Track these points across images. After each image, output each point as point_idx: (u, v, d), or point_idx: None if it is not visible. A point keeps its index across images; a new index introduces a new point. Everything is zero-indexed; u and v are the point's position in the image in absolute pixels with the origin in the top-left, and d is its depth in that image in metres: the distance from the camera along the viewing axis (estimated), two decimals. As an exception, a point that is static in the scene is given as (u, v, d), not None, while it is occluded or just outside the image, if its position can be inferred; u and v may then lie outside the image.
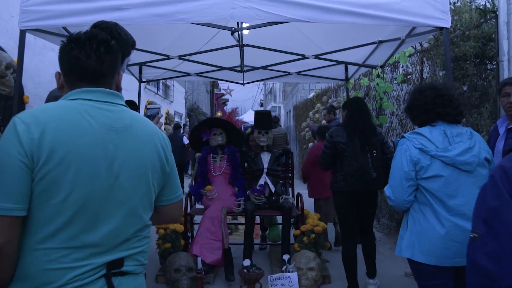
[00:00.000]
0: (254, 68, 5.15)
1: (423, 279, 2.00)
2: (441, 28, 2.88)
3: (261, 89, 38.02)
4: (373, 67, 4.81)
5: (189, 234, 4.32)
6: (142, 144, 1.20)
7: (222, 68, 5.27)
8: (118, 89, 1.29)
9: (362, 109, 3.35)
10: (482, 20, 3.96)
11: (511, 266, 1.12)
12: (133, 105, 4.93)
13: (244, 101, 36.82)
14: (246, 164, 4.54)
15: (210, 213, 3.90)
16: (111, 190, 1.11)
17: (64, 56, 1.18)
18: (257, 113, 4.50)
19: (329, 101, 8.91)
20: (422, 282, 2.02)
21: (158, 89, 11.45)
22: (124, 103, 1.24)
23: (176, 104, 14.25)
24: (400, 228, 2.13)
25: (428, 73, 4.76)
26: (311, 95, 11.86)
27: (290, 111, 20.07)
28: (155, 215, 1.31)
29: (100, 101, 1.16)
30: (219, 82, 29.83)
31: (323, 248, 3.96)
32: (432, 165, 1.92)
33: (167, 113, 12.39)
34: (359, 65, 4.85)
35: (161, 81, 11.97)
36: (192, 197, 4.42)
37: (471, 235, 1.23)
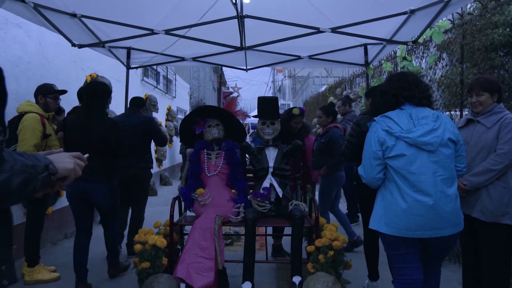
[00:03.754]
0: (258, 45, 4.30)
1: (390, 249, 2.20)
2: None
3: (270, 87, 37.33)
4: (403, 43, 3.96)
5: (179, 247, 3.52)
6: None
7: (219, 49, 4.47)
8: None
9: None
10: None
11: None
12: (139, 102, 4.38)
13: (252, 100, 36.14)
14: (248, 162, 3.74)
15: (200, 224, 3.10)
16: None
17: None
18: (260, 100, 3.62)
19: (344, 93, 8.07)
20: (389, 252, 2.22)
21: (158, 83, 10.66)
22: None
23: (179, 100, 13.48)
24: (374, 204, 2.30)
25: (466, 51, 3.89)
26: (323, 88, 11.03)
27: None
28: None
29: None
30: (227, 80, 29.19)
31: (345, 268, 3.12)
32: (397, 145, 2.09)
33: (169, 109, 11.65)
34: (386, 40, 3.98)
35: (161, 74, 11.22)
36: (182, 203, 3.63)
37: None
